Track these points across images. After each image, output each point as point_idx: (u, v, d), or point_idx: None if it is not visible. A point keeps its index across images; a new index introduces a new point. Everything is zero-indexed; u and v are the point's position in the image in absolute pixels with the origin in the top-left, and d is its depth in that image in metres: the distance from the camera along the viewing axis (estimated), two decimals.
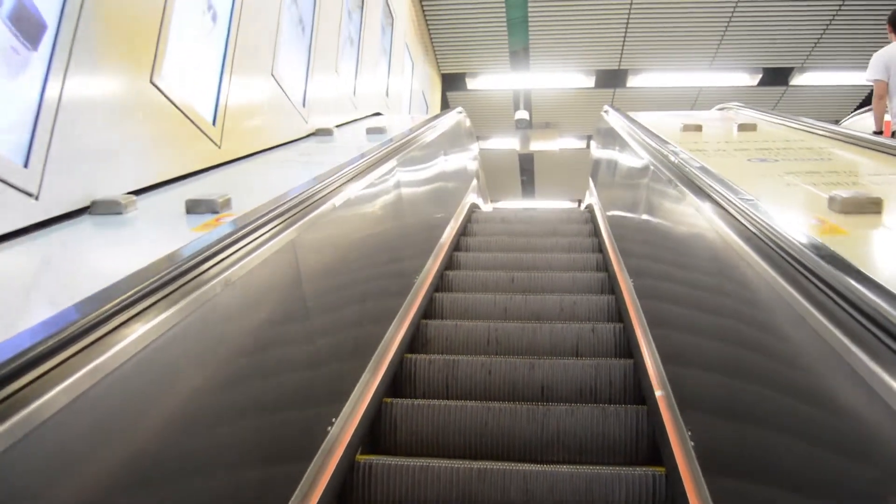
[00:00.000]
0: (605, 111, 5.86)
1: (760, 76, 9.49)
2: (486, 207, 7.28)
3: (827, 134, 3.65)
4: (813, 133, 3.84)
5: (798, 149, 3.27)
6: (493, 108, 11.18)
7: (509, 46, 9.26)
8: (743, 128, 4.08)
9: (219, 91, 3.18)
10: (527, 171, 13.69)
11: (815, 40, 8.76)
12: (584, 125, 11.59)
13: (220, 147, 3.17)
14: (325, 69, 4.83)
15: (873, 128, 4.69)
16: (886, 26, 4.51)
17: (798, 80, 9.54)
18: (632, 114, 5.05)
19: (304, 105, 4.32)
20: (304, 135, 4.28)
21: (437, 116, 5.15)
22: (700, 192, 2.00)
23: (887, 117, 4.66)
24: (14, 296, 1.32)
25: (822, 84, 9.49)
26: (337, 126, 4.94)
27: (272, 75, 3.78)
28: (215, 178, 2.68)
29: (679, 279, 2.23)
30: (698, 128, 4.13)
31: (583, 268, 3.97)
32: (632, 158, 3.73)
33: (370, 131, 4.35)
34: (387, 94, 6.66)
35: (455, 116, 5.77)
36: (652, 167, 2.93)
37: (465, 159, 6.19)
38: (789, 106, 10.33)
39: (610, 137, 5.22)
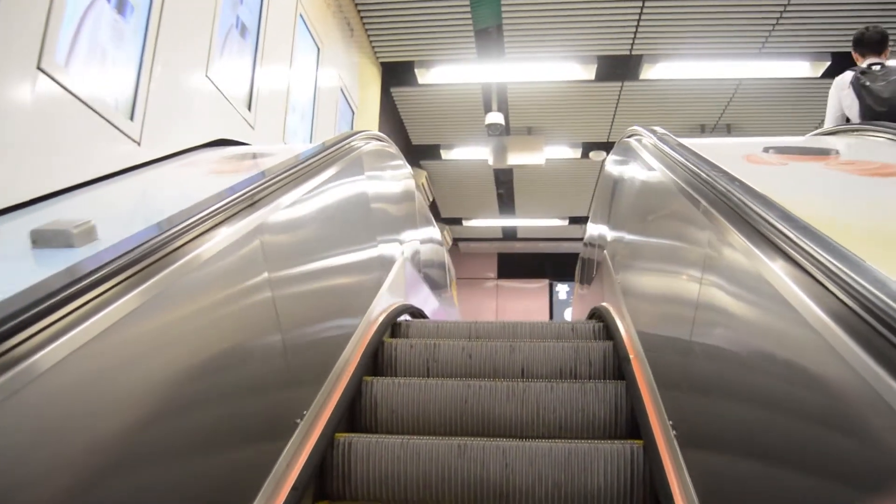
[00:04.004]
0: (638, 137, 3.10)
1: (828, 64, 6.75)
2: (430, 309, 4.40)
3: None
4: None
5: None
6: (454, 109, 8.35)
7: (474, 24, 6.44)
8: None
9: None
10: (504, 185, 10.89)
11: None
12: (580, 130, 8.82)
13: None
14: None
15: None
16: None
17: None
18: (691, 143, 2.33)
19: None
20: None
21: (294, 167, 2.32)
22: None
23: None
24: None
25: None
26: (42, 199, 2.13)
27: None
28: None
29: None
30: None
31: None
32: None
33: (38, 241, 1.56)
34: (248, 105, 3.80)
35: (351, 154, 2.96)
36: None
37: (377, 250, 3.38)
38: None
39: (667, 208, 2.46)
